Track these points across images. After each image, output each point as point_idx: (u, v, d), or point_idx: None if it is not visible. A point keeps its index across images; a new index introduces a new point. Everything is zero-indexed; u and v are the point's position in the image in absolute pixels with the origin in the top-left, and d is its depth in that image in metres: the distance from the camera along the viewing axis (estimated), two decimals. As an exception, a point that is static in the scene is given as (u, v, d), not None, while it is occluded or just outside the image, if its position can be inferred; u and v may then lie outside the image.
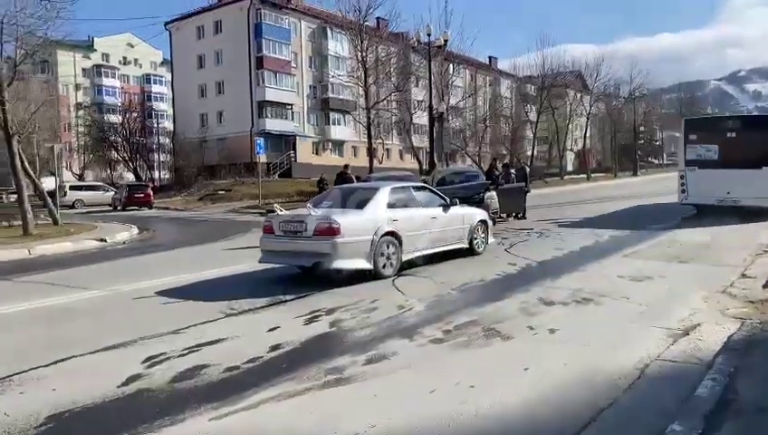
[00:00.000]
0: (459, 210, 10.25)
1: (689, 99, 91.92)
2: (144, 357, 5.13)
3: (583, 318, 6.25)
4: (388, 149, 59.59)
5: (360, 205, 8.65)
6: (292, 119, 52.40)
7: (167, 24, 55.52)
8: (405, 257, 8.94)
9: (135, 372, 4.74)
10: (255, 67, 49.62)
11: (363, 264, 8.21)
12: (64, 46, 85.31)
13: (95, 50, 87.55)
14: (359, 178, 15.46)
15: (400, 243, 8.76)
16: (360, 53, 32.02)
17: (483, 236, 10.76)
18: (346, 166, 17.46)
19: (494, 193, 15.45)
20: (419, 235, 9.20)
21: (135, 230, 19.57)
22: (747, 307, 6.39)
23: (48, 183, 55.53)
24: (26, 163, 20.82)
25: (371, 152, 33.92)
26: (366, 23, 33.28)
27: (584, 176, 53.79)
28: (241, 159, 47.48)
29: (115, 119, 64.00)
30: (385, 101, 42.01)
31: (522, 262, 9.79)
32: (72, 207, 39.14)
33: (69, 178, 67.35)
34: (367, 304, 6.96)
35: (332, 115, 54.60)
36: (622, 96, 60.11)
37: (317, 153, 54.10)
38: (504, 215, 17.31)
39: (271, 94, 49.68)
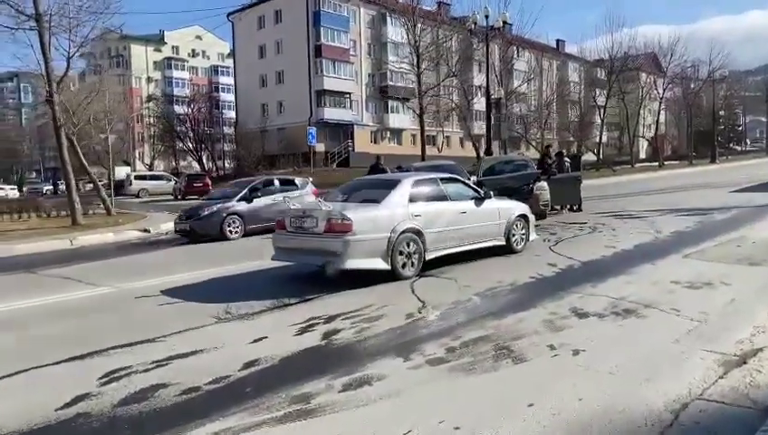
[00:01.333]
0: (494, 204, 9.33)
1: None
2: (105, 371, 4.64)
3: (619, 336, 5.30)
4: (448, 137, 58.46)
5: (378, 199, 7.92)
6: (351, 107, 52.09)
7: (229, 14, 56.29)
8: (429, 256, 8.15)
9: (85, 391, 4.23)
10: (314, 56, 49.55)
11: (379, 264, 7.50)
12: (137, 40, 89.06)
13: (165, 43, 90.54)
14: (400, 169, 14.75)
15: (423, 241, 7.98)
16: (413, 38, 31.07)
17: (522, 232, 9.79)
18: (378, 157, 16.71)
19: (544, 184, 14.30)
20: (446, 231, 8.38)
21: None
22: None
23: (120, 173, 58.21)
24: (81, 154, 21.28)
25: (423, 140, 33.07)
26: (420, 5, 32.27)
27: (657, 164, 50.71)
28: (300, 149, 47.59)
29: (183, 110, 65.72)
30: (444, 88, 40.97)
31: (564, 262, 8.79)
32: (137, 196, 40.38)
33: (140, 167, 70.20)
34: (373, 311, 6.25)
35: (391, 103, 53.85)
36: (700, 78, 56.11)
37: (375, 142, 53.64)
38: (559, 207, 16.13)
39: (329, 83, 49.49)
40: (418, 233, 7.92)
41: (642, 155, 68.47)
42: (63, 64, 19.50)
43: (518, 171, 15.30)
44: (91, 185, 50.31)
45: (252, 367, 4.66)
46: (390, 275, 7.67)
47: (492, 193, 9.32)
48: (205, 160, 61.67)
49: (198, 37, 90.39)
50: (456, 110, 43.84)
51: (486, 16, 28.97)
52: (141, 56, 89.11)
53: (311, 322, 5.90)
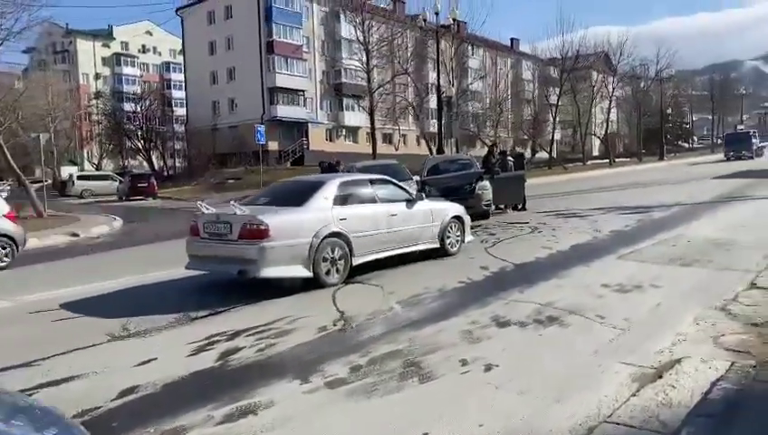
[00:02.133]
0: (427, 205, 8.99)
1: (722, 80, 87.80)
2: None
3: (537, 347, 5.00)
4: (404, 135, 58.14)
5: (301, 202, 7.47)
6: (305, 105, 51.30)
7: (178, 9, 54.85)
8: (357, 262, 7.76)
9: None
10: (266, 52, 48.56)
11: (300, 271, 7.06)
12: (84, 35, 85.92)
13: (114, 38, 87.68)
14: (333, 167, 14.32)
15: (349, 245, 7.57)
16: (362, 34, 30.65)
17: (458, 234, 9.49)
18: (338, 162, 16.25)
19: (486, 183, 14.07)
20: (374, 235, 7.99)
21: (118, 223, 18.78)
22: (747, 333, 5.05)
23: (66, 173, 55.79)
24: (7, 153, 20.14)
25: (374, 138, 32.73)
26: (368, 1, 31.87)
27: (607, 161, 51.62)
28: (252, 148, 46.44)
29: (133, 107, 63.71)
30: (398, 86, 40.66)
31: (497, 265, 8.51)
32: (81, 196, 38.78)
33: (88, 167, 67.72)
34: (285, 325, 5.82)
35: (346, 101, 53.24)
36: (650, 78, 57.32)
37: (331, 140, 53.01)
38: (503, 206, 15.96)
39: (282, 80, 48.60)
40: (344, 237, 7.51)
41: (595, 153, 69.61)
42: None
43: (462, 171, 15.05)
44: (39, 184, 48.26)
45: (128, 395, 4.16)
46: (314, 283, 7.26)
47: (423, 194, 8.98)
48: (155, 159, 59.96)
49: (149, 33, 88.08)
50: (410, 108, 43.59)
51: (437, 13, 28.74)
52: (89, 52, 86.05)
53: (212, 339, 5.42)
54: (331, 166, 15.60)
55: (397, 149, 52.87)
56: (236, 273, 6.92)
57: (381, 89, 35.08)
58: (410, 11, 47.84)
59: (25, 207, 21.05)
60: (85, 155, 72.44)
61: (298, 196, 7.61)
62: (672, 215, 13.59)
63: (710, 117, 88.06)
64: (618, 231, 11.48)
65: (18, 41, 18.83)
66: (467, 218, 9.85)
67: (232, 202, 7.46)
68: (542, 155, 55.25)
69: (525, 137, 61.88)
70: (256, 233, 6.74)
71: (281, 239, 6.85)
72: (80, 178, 41.65)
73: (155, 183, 35.49)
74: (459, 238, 9.53)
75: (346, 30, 51.87)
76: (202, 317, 6.27)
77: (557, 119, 50.65)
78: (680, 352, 4.62)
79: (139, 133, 57.59)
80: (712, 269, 7.80)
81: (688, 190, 19.74)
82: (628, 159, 59.14)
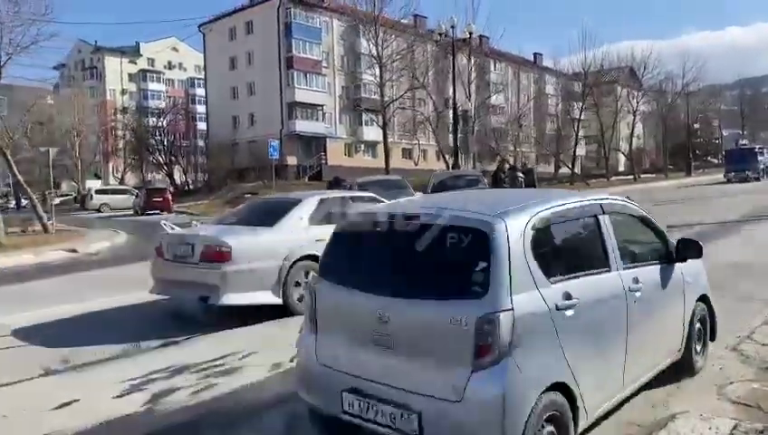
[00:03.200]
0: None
1: (753, 95, 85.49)
2: None
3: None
4: (424, 150, 57.62)
5: (273, 221, 6.91)
6: (323, 120, 51.12)
7: (200, 25, 55.36)
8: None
9: None
10: (285, 67, 48.60)
11: (269, 298, 6.49)
12: (112, 52, 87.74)
13: (141, 55, 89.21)
14: (337, 181, 13.84)
15: (326, 269, 6.98)
16: (374, 48, 30.34)
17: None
18: (338, 179, 15.80)
19: (493, 201, 13.39)
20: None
21: (121, 238, 18.50)
22: (759, 381, 4.33)
23: (90, 186, 56.53)
24: (15, 168, 20.08)
25: (387, 153, 32.25)
26: (382, 14, 31.58)
27: (632, 177, 50.33)
28: (270, 162, 46.56)
29: (155, 122, 64.37)
30: (417, 100, 40.27)
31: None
32: (99, 210, 39.02)
33: (112, 181, 68.54)
34: (236, 361, 5.26)
35: (365, 116, 52.94)
36: (675, 91, 55.91)
37: (349, 155, 52.67)
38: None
39: (300, 95, 48.53)
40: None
41: (621, 168, 68.16)
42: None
43: (469, 187, 14.41)
44: (61, 199, 48.83)
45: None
46: (286, 310, 6.68)
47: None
48: (177, 174, 60.40)
49: (175, 49, 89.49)
50: (427, 122, 43.09)
51: (453, 27, 28.29)
52: (116, 68, 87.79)
53: (150, 376, 4.86)
54: (337, 181, 15.11)
55: (416, 164, 52.32)
56: (198, 299, 6.38)
57: (399, 103, 34.64)
58: (432, 26, 47.64)
59: (33, 222, 21.03)
60: (110, 169, 73.45)
61: (271, 215, 7.06)
62: (693, 235, 12.71)
63: (740, 132, 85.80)
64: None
65: (27, 55, 18.66)
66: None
67: (195, 222, 6.94)
68: (566, 171, 54.21)
69: (548, 152, 61.02)
70: (218, 255, 6.20)
71: (246, 262, 6.29)
72: (98, 192, 41.97)
73: (170, 197, 35.45)
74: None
75: (365, 45, 51.87)
76: (153, 348, 5.74)
77: (579, 133, 49.56)
78: (677, 405, 3.94)
79: (160, 148, 58.06)
80: (729, 299, 7.01)
81: (714, 207, 18.80)
82: (654, 175, 57.64)
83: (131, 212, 36.55)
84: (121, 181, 65.57)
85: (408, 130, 50.00)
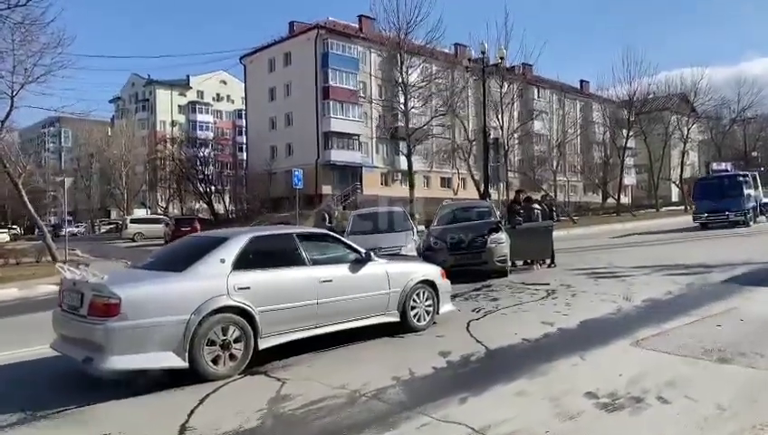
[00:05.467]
0: (380, 268, 7.10)
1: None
2: None
3: None
4: (464, 179, 56.14)
5: (184, 265, 5.79)
6: (359, 149, 50.56)
7: (241, 58, 56.17)
8: (265, 344, 5.96)
9: None
10: (321, 97, 48.49)
11: (169, 360, 5.32)
12: (163, 85, 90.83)
13: (190, 87, 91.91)
14: (327, 214, 12.73)
15: (252, 323, 5.80)
16: (401, 74, 29.50)
17: (428, 303, 7.51)
18: (329, 211, 14.74)
19: (501, 235, 11.93)
20: (296, 308, 6.18)
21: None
22: None
23: (138, 213, 57.82)
24: (26, 197, 19.93)
25: (412, 181, 31.25)
26: (406, 39, 30.76)
27: (683, 208, 47.38)
28: (305, 191, 46.08)
29: (195, 152, 65.36)
30: (449, 128, 39.07)
31: (463, 350, 6.44)
32: (133, 239, 39.33)
33: (158, 211, 69.79)
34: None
35: (402, 144, 52.03)
36: (731, 118, 52.84)
37: (386, 184, 51.77)
38: (530, 262, 13.70)
39: (336, 125, 48.23)
40: (244, 312, 5.75)
41: (675, 198, 64.75)
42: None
43: (480, 219, 13.05)
44: (108, 227, 49.57)
45: None
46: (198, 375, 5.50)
47: (372, 253, 7.08)
48: (218, 203, 60.90)
49: (223, 82, 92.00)
50: (459, 150, 41.77)
51: (483, 52, 27.18)
52: (166, 101, 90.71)
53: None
54: (328, 212, 14.02)
55: (456, 193, 50.94)
56: (81, 361, 5.27)
57: (428, 130, 33.60)
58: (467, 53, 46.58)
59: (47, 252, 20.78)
60: (158, 198, 74.97)
61: (185, 257, 5.95)
62: (734, 278, 10.90)
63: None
64: (653, 300, 9.07)
65: (39, 85, 18.60)
66: (444, 283, 7.84)
67: (82, 266, 5.90)
68: (609, 201, 51.73)
69: (595, 181, 58.60)
70: (104, 309, 5.10)
71: (139, 317, 5.17)
72: (132, 221, 42.52)
73: (198, 227, 35.19)
74: (430, 309, 7.54)
75: (395, 72, 51.16)
76: (40, 417, 4.69)
77: (625, 162, 47.16)
78: None
79: (201, 178, 58.73)
80: (763, 370, 5.43)
81: (765, 244, 16.70)
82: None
83: (162, 241, 36.49)
84: (165, 211, 66.59)
85: (446, 159, 48.75)
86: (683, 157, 52.06)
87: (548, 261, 13.53)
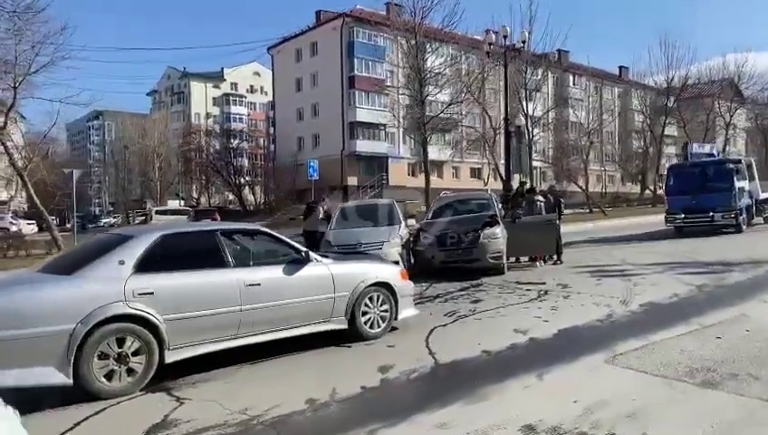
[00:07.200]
0: (326, 268, 6.29)
1: None
2: None
3: None
4: (494, 169, 54.79)
5: (74, 267, 5.12)
6: (386, 139, 49.66)
7: (269, 48, 55.87)
8: (174, 357, 5.25)
9: None
10: (347, 87, 47.77)
11: (50, 376, 4.66)
12: (197, 78, 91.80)
13: (224, 80, 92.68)
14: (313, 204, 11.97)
15: (156, 333, 5.10)
16: (416, 61, 28.53)
17: (383, 308, 6.69)
18: (320, 200, 13.95)
19: (496, 230, 10.93)
20: (213, 315, 5.44)
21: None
22: None
23: (171, 205, 58.59)
24: (32, 189, 19.84)
25: (427, 171, 30.57)
26: (422, 24, 29.73)
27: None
28: (330, 183, 45.60)
29: (225, 143, 65.60)
30: (475, 116, 37.81)
31: (409, 365, 5.61)
32: (157, 230, 39.48)
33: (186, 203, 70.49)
34: None
35: (429, 135, 50.91)
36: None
37: (413, 174, 50.75)
38: (534, 258, 12.67)
39: (362, 115, 47.45)
40: (145, 321, 5.05)
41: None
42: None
43: (479, 211, 12.10)
44: (142, 218, 50.43)
45: None
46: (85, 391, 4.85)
47: (311, 253, 6.29)
48: (250, 195, 61.09)
49: (257, 73, 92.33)
50: (482, 139, 40.44)
51: (505, 36, 25.97)
52: (201, 93, 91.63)
53: None
54: (314, 205, 13.25)
55: (486, 184, 49.67)
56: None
57: (447, 118, 32.58)
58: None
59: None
60: (193, 190, 75.74)
61: (80, 259, 5.28)
62: (753, 280, 9.70)
63: None
64: (653, 304, 8.03)
65: (37, 76, 18.33)
66: (404, 285, 7.00)
67: None
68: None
69: (634, 171, 56.42)
70: (-29, 319, 4.47)
71: (12, 328, 4.52)
72: (157, 212, 42.73)
73: (218, 218, 35.10)
74: (386, 314, 6.71)
75: (431, 62, 49.90)
76: None
77: (665, 151, 44.95)
78: None
79: (230, 169, 58.96)
80: (753, 398, 4.44)
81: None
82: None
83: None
84: (197, 202, 67.13)
85: (475, 149, 47.42)
86: (725, 145, 49.37)
87: (554, 257, 12.47)
